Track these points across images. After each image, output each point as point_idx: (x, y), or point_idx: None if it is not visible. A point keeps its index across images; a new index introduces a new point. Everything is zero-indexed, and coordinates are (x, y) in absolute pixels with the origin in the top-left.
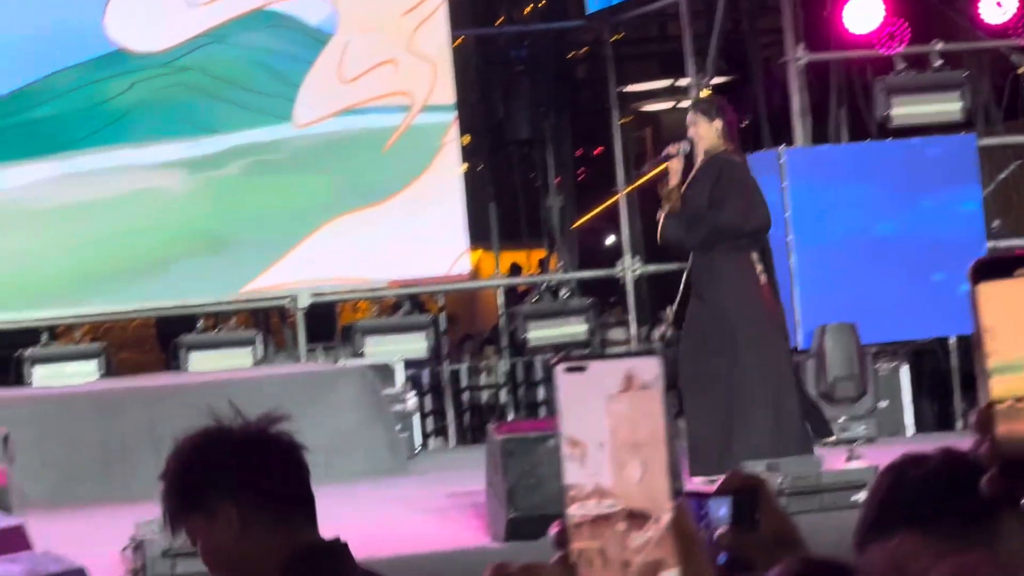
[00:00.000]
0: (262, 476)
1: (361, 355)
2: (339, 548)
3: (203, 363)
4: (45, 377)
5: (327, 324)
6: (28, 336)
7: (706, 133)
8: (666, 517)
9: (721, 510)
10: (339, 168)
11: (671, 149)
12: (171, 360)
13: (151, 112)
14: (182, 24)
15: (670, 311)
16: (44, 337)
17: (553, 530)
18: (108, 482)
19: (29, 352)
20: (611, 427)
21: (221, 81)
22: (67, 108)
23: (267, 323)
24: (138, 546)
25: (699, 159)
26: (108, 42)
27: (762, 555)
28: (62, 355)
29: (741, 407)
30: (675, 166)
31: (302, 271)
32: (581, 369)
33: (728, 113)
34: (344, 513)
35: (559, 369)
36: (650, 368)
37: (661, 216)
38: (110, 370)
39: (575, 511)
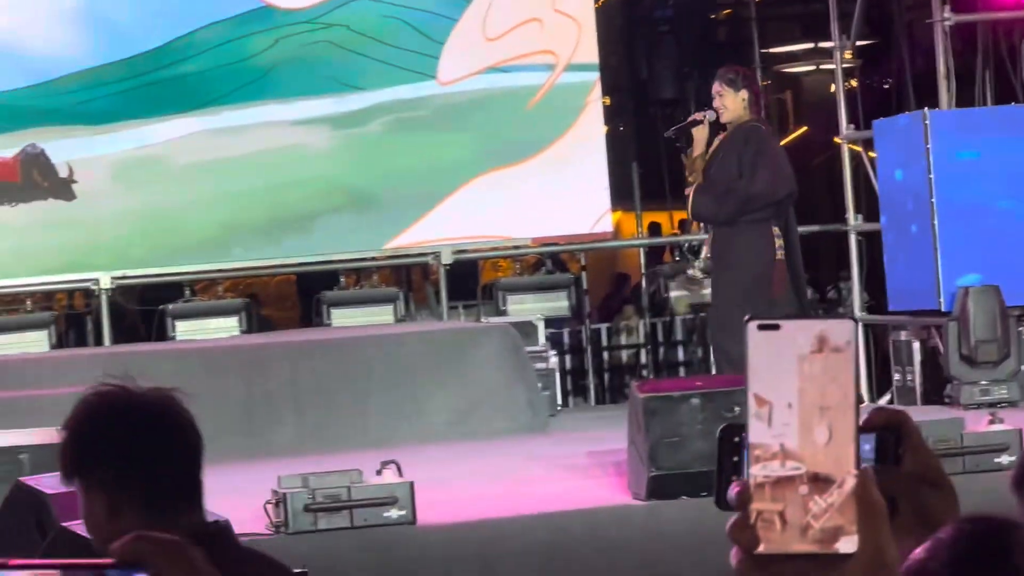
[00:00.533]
0: (137, 455)
1: (503, 313)
2: (216, 532)
3: (345, 320)
4: (188, 332)
5: (469, 282)
6: (171, 291)
7: (732, 104)
8: (850, 483)
9: (864, 447)
10: (482, 126)
11: (697, 116)
12: (313, 316)
13: (295, 68)
14: None
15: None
16: (187, 292)
17: (733, 490)
18: (250, 437)
19: (172, 307)
20: (800, 388)
21: (365, 38)
22: (212, 64)
23: (409, 280)
24: (280, 500)
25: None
26: None
27: (906, 493)
28: (205, 310)
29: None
30: (700, 135)
31: (445, 228)
32: (774, 328)
33: (754, 83)
34: (486, 471)
35: (752, 326)
36: (844, 332)
37: (690, 192)
38: (252, 326)
39: (758, 471)
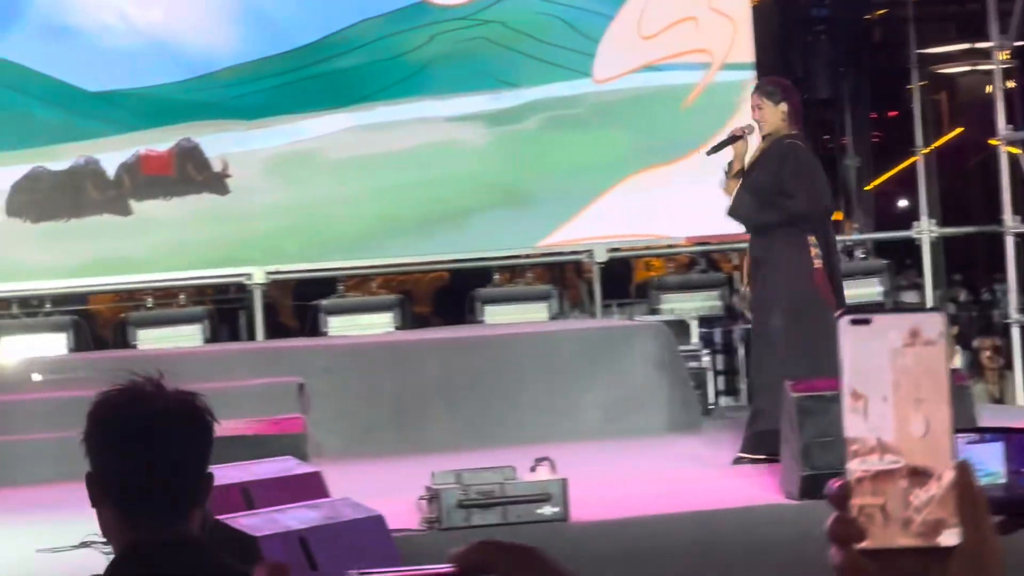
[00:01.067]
0: (103, 459)
1: (657, 312)
2: (193, 544)
3: (498, 317)
4: (341, 328)
5: (622, 281)
6: (324, 286)
7: (771, 116)
8: (948, 475)
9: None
10: (637, 124)
11: (736, 131)
12: (466, 314)
13: (450, 65)
14: None
15: (745, 288)
16: (340, 288)
17: (833, 485)
18: (403, 433)
19: (326, 303)
20: (894, 381)
21: (521, 35)
22: (367, 59)
23: (563, 278)
24: (434, 496)
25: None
26: None
27: None
28: (358, 306)
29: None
30: (739, 150)
31: (599, 226)
32: (866, 322)
33: (793, 96)
34: (638, 469)
35: (843, 322)
36: (935, 324)
37: (733, 190)
38: (405, 322)
39: (856, 466)
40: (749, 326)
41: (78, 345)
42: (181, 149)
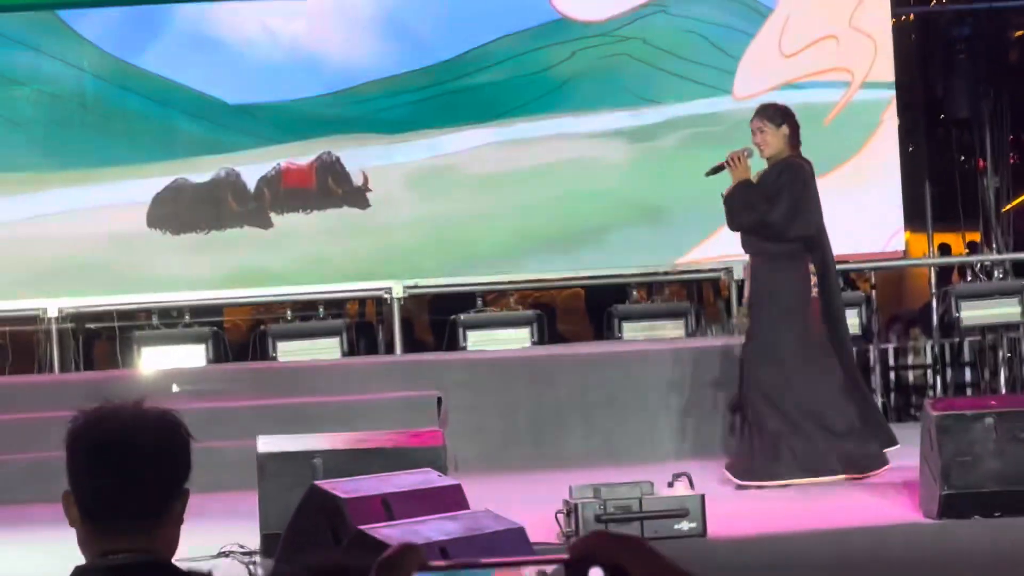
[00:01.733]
0: (75, 475)
1: None
2: (140, 568)
3: (636, 333)
4: (479, 343)
5: None
6: (463, 300)
7: (772, 139)
8: None
9: None
10: None
11: (732, 156)
12: (603, 330)
13: (591, 81)
14: None
15: (745, 307)
16: (478, 302)
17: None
18: (539, 447)
19: (464, 317)
20: None
21: (661, 52)
22: (508, 75)
23: (700, 295)
24: (571, 510)
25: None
26: (552, 10)
27: None
28: (497, 321)
29: (785, 424)
30: (737, 171)
31: (736, 244)
32: None
33: (793, 119)
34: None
35: None
36: None
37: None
38: (542, 337)
39: None
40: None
41: (217, 356)
42: (322, 162)
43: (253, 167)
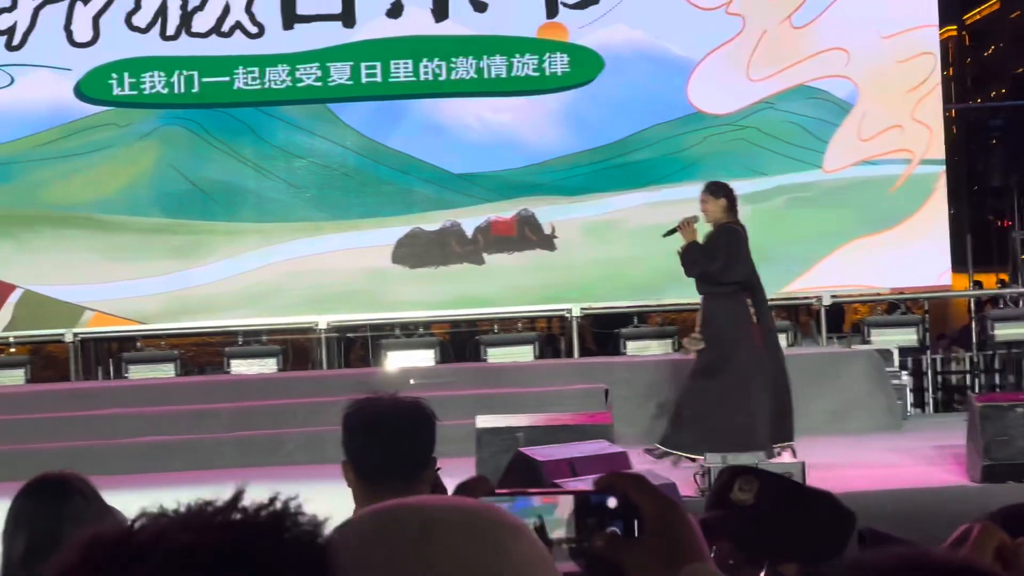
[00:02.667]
0: (353, 447)
1: (868, 342)
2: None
3: None
4: (635, 349)
5: (838, 319)
6: (623, 318)
7: (714, 208)
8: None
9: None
10: (856, 203)
11: (683, 220)
12: None
13: (717, 158)
14: (744, 94)
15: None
16: (635, 320)
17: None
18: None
19: (624, 331)
20: None
21: (770, 137)
22: (657, 153)
23: (796, 317)
24: (705, 472)
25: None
26: (689, 105)
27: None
28: (647, 334)
29: (731, 404)
30: (690, 234)
31: (825, 279)
32: None
33: (730, 192)
34: (857, 457)
35: None
36: None
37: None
38: (679, 346)
39: None
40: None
41: (443, 358)
42: (521, 216)
43: (470, 219)
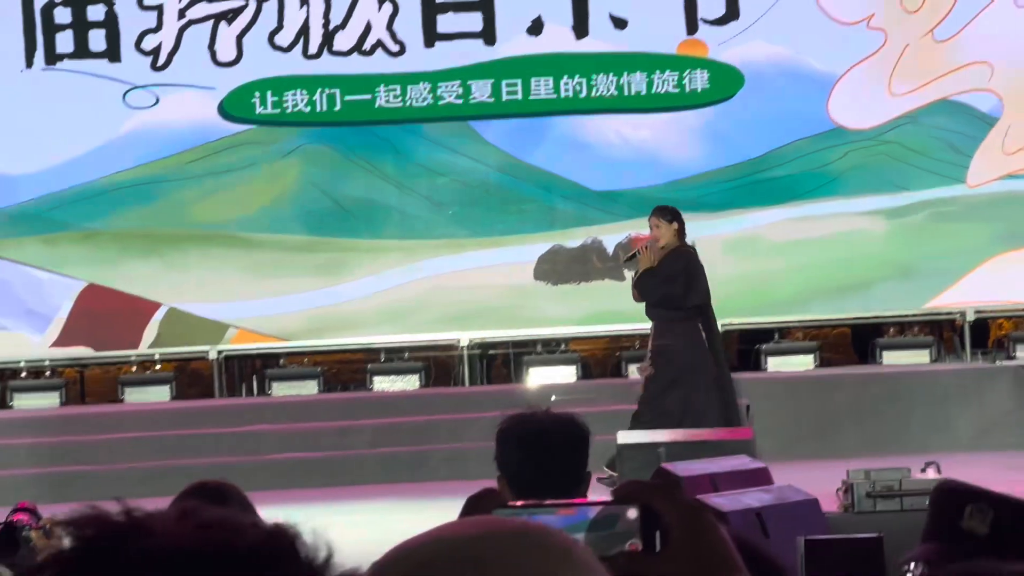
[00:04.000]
0: (507, 461)
1: (1013, 358)
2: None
3: (892, 359)
4: (776, 365)
5: (983, 335)
6: (765, 334)
7: (666, 233)
8: None
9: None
10: (999, 218)
11: (642, 248)
12: (868, 358)
13: (859, 173)
14: (885, 108)
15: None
16: (775, 335)
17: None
18: (821, 442)
19: (765, 346)
20: None
21: (911, 151)
22: (797, 169)
23: (939, 332)
24: (848, 488)
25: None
26: (830, 121)
27: None
28: (788, 349)
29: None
30: (645, 259)
31: (969, 294)
32: None
33: (681, 217)
34: (1001, 475)
35: None
36: None
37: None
38: (820, 362)
39: None
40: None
41: (584, 375)
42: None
43: (611, 236)
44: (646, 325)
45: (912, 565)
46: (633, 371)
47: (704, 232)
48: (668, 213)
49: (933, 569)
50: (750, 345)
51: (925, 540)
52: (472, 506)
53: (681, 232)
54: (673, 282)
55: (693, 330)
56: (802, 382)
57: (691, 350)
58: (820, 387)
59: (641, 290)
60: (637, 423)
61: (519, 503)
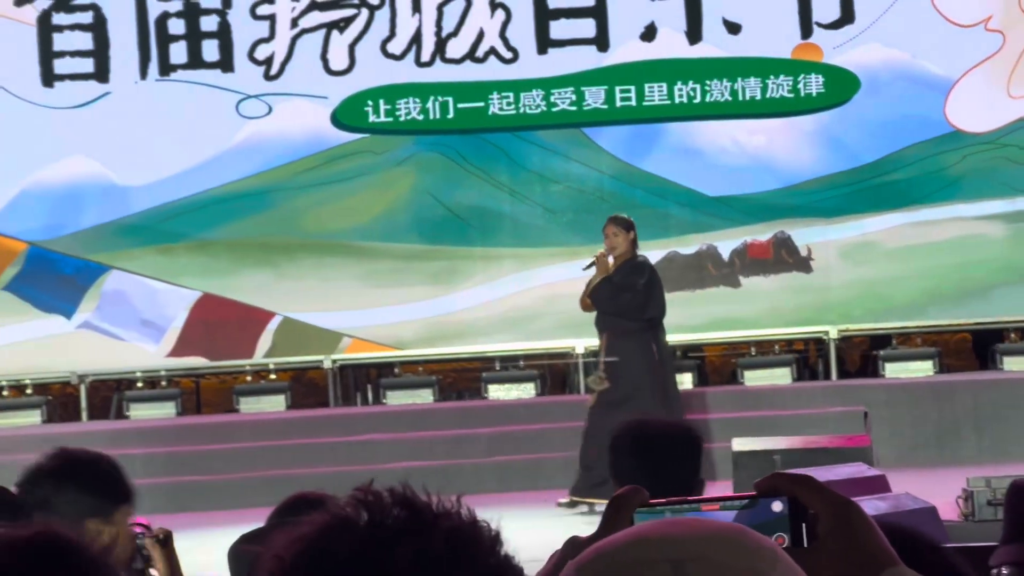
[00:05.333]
0: (622, 467)
1: None
2: None
3: (1015, 365)
4: (895, 371)
5: None
6: (881, 340)
7: (623, 242)
8: None
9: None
10: None
11: (599, 255)
12: (988, 363)
13: (977, 177)
14: (1004, 111)
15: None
16: (892, 341)
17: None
18: (941, 450)
19: (883, 352)
20: None
21: None
22: (915, 173)
23: None
24: (968, 496)
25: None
26: (947, 124)
27: None
28: (907, 355)
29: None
30: (603, 266)
31: None
32: None
33: (633, 227)
34: None
35: None
36: None
37: (594, 282)
38: (941, 368)
39: None
40: None
41: (700, 381)
42: (777, 239)
43: (726, 242)
44: (763, 331)
45: (1001, 569)
46: (748, 377)
47: (819, 238)
48: (625, 223)
49: (1022, 571)
50: (867, 351)
51: (1005, 542)
52: (617, 505)
53: (635, 242)
54: (629, 291)
55: (645, 346)
56: (921, 388)
57: (642, 367)
58: (939, 393)
59: (596, 299)
60: (588, 441)
61: (661, 500)
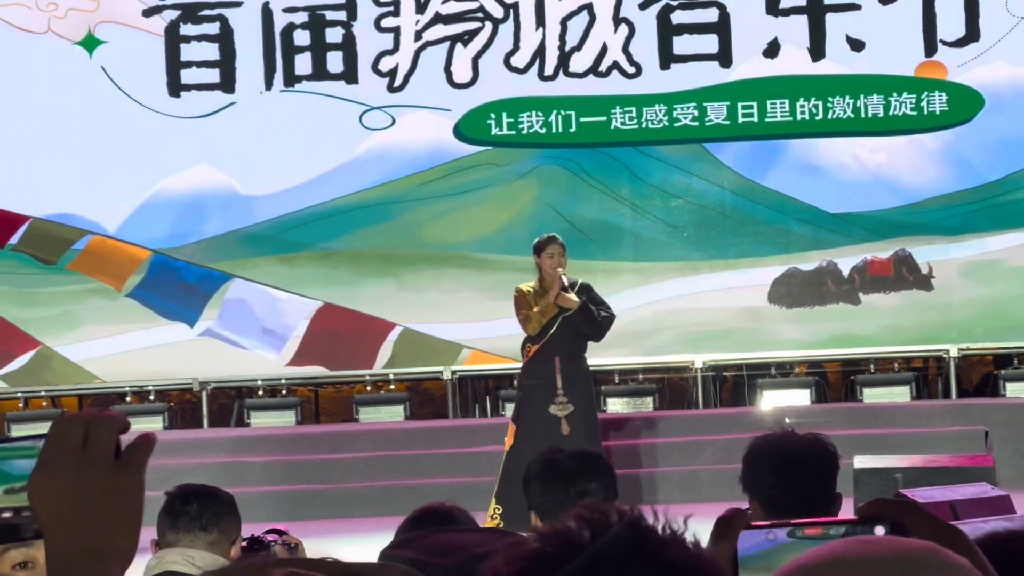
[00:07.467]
0: (755, 477)
1: None
2: None
3: None
4: (1015, 391)
5: None
6: (1005, 359)
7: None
8: None
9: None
10: None
11: (571, 279)
12: None
13: None
14: None
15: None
16: (1014, 361)
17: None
18: None
19: (1004, 372)
20: None
21: None
22: None
23: None
24: None
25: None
26: None
27: None
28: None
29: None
30: (557, 286)
31: None
32: None
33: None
34: None
35: None
36: None
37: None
38: None
39: None
40: None
41: (818, 398)
42: (898, 257)
43: (847, 259)
44: (882, 348)
45: None
46: (867, 395)
47: (941, 256)
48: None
49: None
50: (987, 370)
51: None
52: (722, 526)
53: None
54: (604, 307)
55: (588, 372)
56: None
57: (587, 391)
58: None
59: (594, 330)
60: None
61: (766, 523)
